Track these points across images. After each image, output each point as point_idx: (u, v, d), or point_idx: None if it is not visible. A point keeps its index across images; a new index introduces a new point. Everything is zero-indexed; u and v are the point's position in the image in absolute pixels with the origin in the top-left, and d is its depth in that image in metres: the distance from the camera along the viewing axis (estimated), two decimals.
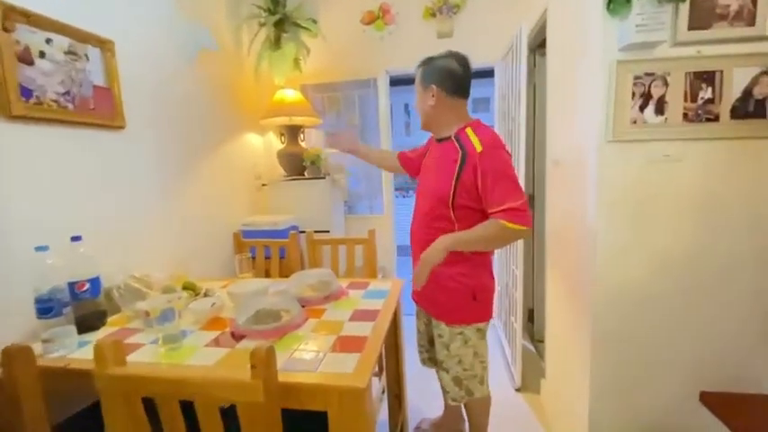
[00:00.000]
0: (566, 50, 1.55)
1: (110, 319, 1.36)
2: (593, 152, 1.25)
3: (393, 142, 2.96)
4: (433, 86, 1.24)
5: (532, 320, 2.72)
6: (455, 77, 1.23)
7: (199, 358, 1.07)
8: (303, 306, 1.36)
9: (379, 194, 2.99)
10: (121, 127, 1.63)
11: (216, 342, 1.16)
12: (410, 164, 1.59)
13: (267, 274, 2.10)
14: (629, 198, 1.23)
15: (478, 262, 1.28)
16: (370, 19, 2.77)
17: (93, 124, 1.51)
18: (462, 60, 1.26)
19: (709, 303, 1.24)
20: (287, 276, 1.63)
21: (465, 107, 1.29)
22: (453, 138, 1.25)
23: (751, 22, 1.09)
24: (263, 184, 2.80)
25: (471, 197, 1.19)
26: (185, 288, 1.51)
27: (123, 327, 1.30)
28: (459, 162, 1.19)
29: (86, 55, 1.50)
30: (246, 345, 1.13)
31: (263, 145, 2.94)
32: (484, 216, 1.18)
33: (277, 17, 2.54)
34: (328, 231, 2.64)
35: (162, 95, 1.90)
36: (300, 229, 2.62)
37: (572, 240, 1.50)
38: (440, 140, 1.32)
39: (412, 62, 2.87)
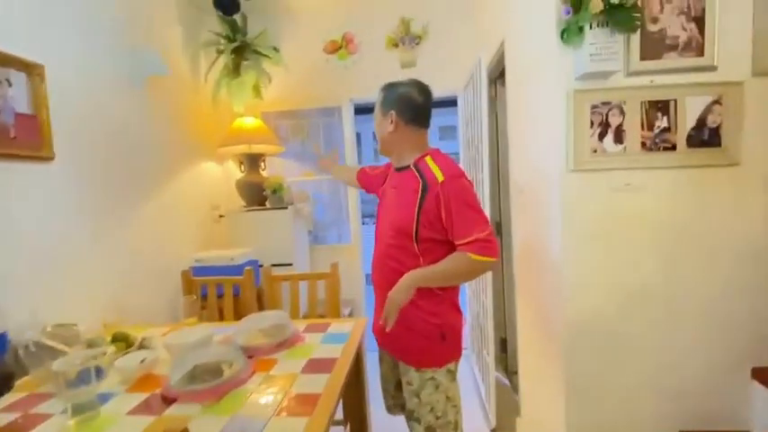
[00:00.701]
0: (523, 80, 1.54)
1: (20, 383, 1.15)
2: (556, 181, 1.21)
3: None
4: (393, 113, 1.18)
5: (506, 350, 2.64)
6: (415, 106, 1.18)
7: (117, 431, 0.90)
8: (251, 356, 1.21)
9: (346, 222, 2.89)
10: (49, 158, 1.47)
11: (144, 407, 0.99)
12: (367, 180, 1.55)
13: (221, 317, 1.92)
14: (593, 227, 1.19)
15: (445, 298, 1.20)
16: (334, 48, 2.75)
17: (13, 155, 1.35)
18: (423, 89, 1.21)
19: (680, 335, 1.19)
20: (241, 318, 1.47)
21: (425, 137, 1.24)
22: (413, 167, 1.18)
23: (700, 52, 1.11)
24: (221, 216, 2.64)
25: (435, 229, 1.12)
26: (115, 340, 1.32)
27: (32, 392, 1.10)
28: (420, 192, 1.13)
29: (8, 80, 1.35)
30: (179, 409, 0.97)
31: (221, 174, 2.80)
32: (450, 248, 1.12)
33: (235, 45, 2.47)
34: (291, 264, 2.49)
35: (103, 123, 1.75)
36: (260, 263, 2.46)
37: (538, 269, 1.44)
38: (399, 169, 1.26)
39: (375, 90, 2.89)
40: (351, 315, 2.77)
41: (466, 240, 1.06)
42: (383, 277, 1.22)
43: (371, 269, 1.34)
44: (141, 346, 1.33)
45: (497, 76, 2.05)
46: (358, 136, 5.10)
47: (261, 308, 2.09)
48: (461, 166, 1.39)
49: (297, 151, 2.88)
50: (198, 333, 1.32)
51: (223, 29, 2.54)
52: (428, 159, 1.17)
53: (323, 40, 2.75)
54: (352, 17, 2.71)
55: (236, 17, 2.54)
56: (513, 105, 1.73)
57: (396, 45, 2.67)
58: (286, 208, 2.49)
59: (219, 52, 2.49)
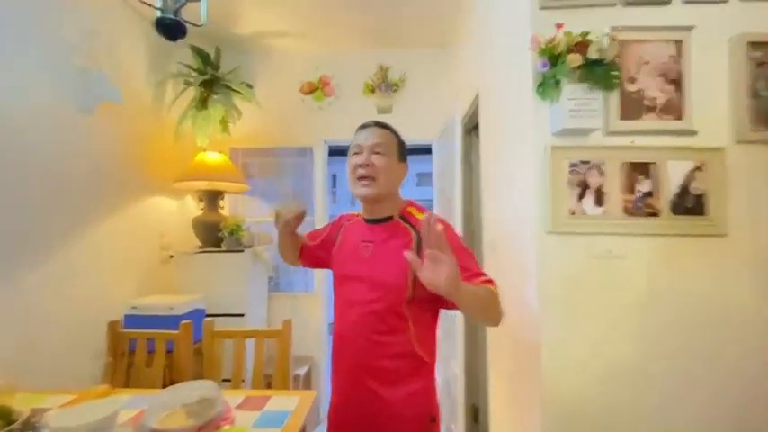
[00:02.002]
0: (498, 134, 1.48)
1: None
2: (532, 243, 1.09)
3: (336, 211, 2.78)
4: (407, 166, 1.09)
5: (477, 419, 2.39)
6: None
7: None
8: None
9: (310, 269, 2.68)
10: None
11: None
12: (312, 256, 1.26)
13: (149, 381, 1.63)
14: (571, 295, 1.06)
15: (431, 367, 1.03)
16: (310, 89, 2.70)
17: None
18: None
19: (669, 413, 1.03)
20: (172, 384, 1.22)
21: None
22: (399, 218, 1.05)
23: (678, 116, 1.05)
24: (171, 256, 2.39)
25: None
26: None
27: None
28: (414, 244, 0.98)
29: None
30: None
31: (177, 211, 2.58)
32: (435, 313, 1.02)
33: (205, 78, 2.37)
34: (242, 315, 2.24)
35: (33, 151, 1.55)
36: (207, 313, 2.20)
37: (513, 335, 1.28)
38: (374, 221, 1.07)
39: (351, 134, 2.83)
40: (308, 374, 2.48)
41: (484, 278, 0.92)
42: (359, 349, 1.01)
43: (337, 340, 1.08)
44: (27, 426, 1.06)
45: (472, 127, 2.01)
46: (333, 178, 5.01)
47: (199, 368, 1.82)
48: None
49: (263, 190, 2.72)
50: (100, 410, 1.06)
51: (194, 61, 2.45)
52: (413, 210, 1.06)
53: (299, 81, 2.70)
54: (331, 61, 2.69)
55: (210, 50, 2.47)
56: (487, 158, 1.66)
57: (372, 91, 2.64)
58: (242, 251, 2.28)
59: (188, 84, 2.38)
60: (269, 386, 1.74)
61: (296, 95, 2.70)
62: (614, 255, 1.04)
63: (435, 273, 0.74)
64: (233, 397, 1.26)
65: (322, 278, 2.66)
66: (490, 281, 0.92)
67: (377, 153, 1.01)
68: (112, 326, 1.67)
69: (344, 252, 1.11)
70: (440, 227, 0.74)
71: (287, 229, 1.16)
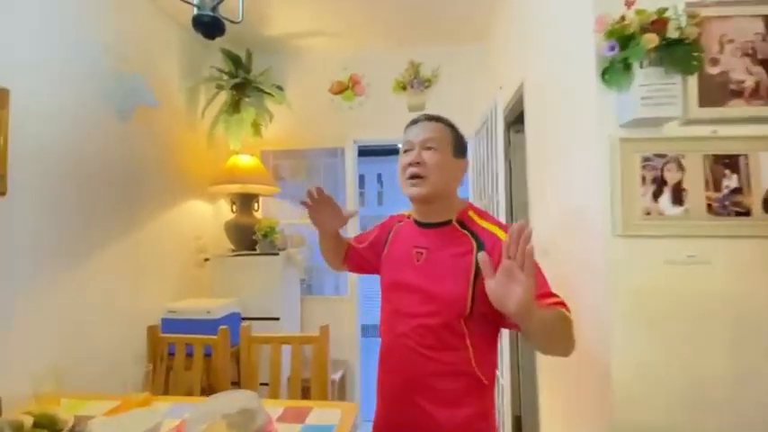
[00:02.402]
0: (549, 127, 1.37)
1: None
2: (598, 247, 0.98)
3: (366, 213, 2.74)
4: (467, 161, 0.99)
5: (521, 430, 2.27)
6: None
7: None
8: None
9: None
10: (0, 193, 1.27)
11: None
12: (359, 259, 1.19)
13: (187, 387, 1.62)
14: (647, 306, 0.94)
15: (489, 391, 0.93)
16: (340, 89, 2.65)
17: None
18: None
19: None
20: (210, 394, 1.19)
21: None
22: (456, 223, 0.94)
23: None
24: (206, 259, 2.40)
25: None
26: (38, 426, 1.04)
27: None
28: (474, 258, 0.87)
29: None
30: None
31: (212, 214, 2.59)
32: (496, 328, 0.92)
33: (236, 81, 2.36)
34: (278, 319, 2.21)
35: (74, 155, 1.58)
36: (243, 316, 2.19)
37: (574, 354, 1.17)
38: (429, 225, 0.97)
39: (381, 133, 2.79)
40: (343, 379, 2.43)
41: (556, 299, 0.81)
42: (409, 365, 0.92)
43: (385, 352, 1.00)
44: None
45: (513, 121, 1.89)
46: (361, 178, 4.98)
47: (237, 372, 1.80)
48: None
49: (294, 192, 2.69)
50: (142, 420, 1.04)
51: (226, 65, 2.45)
52: (472, 215, 0.95)
53: (329, 80, 2.66)
54: (361, 59, 2.64)
55: (241, 53, 2.46)
56: (535, 154, 1.54)
57: (404, 88, 2.57)
58: (277, 254, 2.26)
59: (220, 87, 2.38)
60: (306, 391, 1.70)
61: (325, 96, 2.66)
62: (697, 260, 0.92)
63: (507, 291, 0.66)
64: (273, 407, 1.22)
65: (355, 281, 2.61)
66: (562, 303, 0.80)
67: (428, 149, 0.91)
68: (152, 330, 1.67)
69: (395, 257, 1.02)
70: (531, 243, 0.65)
71: (324, 228, 1.08)
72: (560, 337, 0.78)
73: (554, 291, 0.82)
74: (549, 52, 1.33)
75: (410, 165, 0.91)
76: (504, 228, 0.91)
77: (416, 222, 1.00)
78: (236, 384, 1.95)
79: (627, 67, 0.92)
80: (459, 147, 0.97)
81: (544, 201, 1.43)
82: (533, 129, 1.56)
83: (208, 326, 1.86)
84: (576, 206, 1.14)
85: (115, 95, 1.78)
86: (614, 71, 0.94)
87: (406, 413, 0.92)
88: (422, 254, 0.94)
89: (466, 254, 0.88)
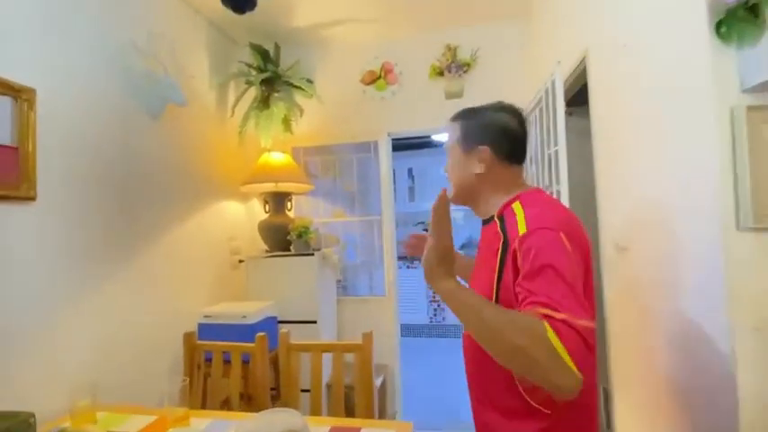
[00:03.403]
0: (627, 102, 1.16)
1: None
2: (714, 244, 0.79)
3: (396, 210, 2.60)
4: (484, 148, 0.85)
5: None
6: (512, 136, 0.86)
7: None
8: None
9: (381, 269, 2.50)
10: (29, 198, 1.21)
11: None
12: None
13: (225, 402, 1.55)
14: None
15: (581, 411, 0.75)
16: (371, 79, 2.51)
17: None
18: (518, 114, 0.89)
19: None
20: (249, 401, 1.09)
21: (521, 176, 0.89)
22: (497, 218, 0.83)
23: None
24: (240, 261, 2.33)
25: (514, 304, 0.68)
26: None
27: None
28: (499, 254, 0.75)
29: None
30: None
31: (245, 215, 2.53)
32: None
33: (265, 75, 2.27)
34: (315, 322, 2.11)
35: (103, 158, 1.52)
36: (280, 319, 2.11)
37: (672, 375, 0.98)
38: (484, 222, 0.90)
39: (416, 124, 2.63)
40: (383, 385, 2.31)
41: (548, 311, 0.59)
42: (470, 376, 0.90)
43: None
44: None
45: (570, 99, 1.69)
46: (392, 173, 4.83)
47: (276, 379, 1.71)
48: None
49: (327, 189, 2.59)
50: None
51: (254, 59, 2.37)
52: (515, 206, 0.80)
53: (360, 71, 2.52)
54: (392, 45, 2.48)
55: (269, 47, 2.37)
56: (605, 137, 1.34)
57: (440, 74, 2.39)
58: (312, 254, 2.16)
59: (249, 83, 2.30)
60: (348, 399, 1.59)
61: (357, 87, 2.53)
62: None
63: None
64: (318, 426, 1.10)
65: (392, 281, 2.47)
66: (553, 318, 0.57)
67: (447, 156, 0.94)
68: (188, 338, 1.60)
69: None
70: (441, 194, 0.69)
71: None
72: (501, 340, 0.60)
73: (566, 311, 0.59)
74: (627, 9, 1.13)
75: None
76: (530, 220, 0.73)
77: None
78: (275, 390, 1.86)
79: (753, 14, 0.73)
80: (469, 138, 0.87)
81: (622, 189, 1.23)
82: (602, 107, 1.35)
83: (244, 331, 1.79)
84: (673, 192, 0.94)
85: (145, 95, 1.72)
86: (734, 21, 0.75)
87: (478, 427, 0.89)
88: (478, 253, 0.92)
89: (495, 253, 0.77)
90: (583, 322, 0.58)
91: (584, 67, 1.46)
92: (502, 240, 0.75)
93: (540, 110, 1.70)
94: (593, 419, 0.78)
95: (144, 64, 1.72)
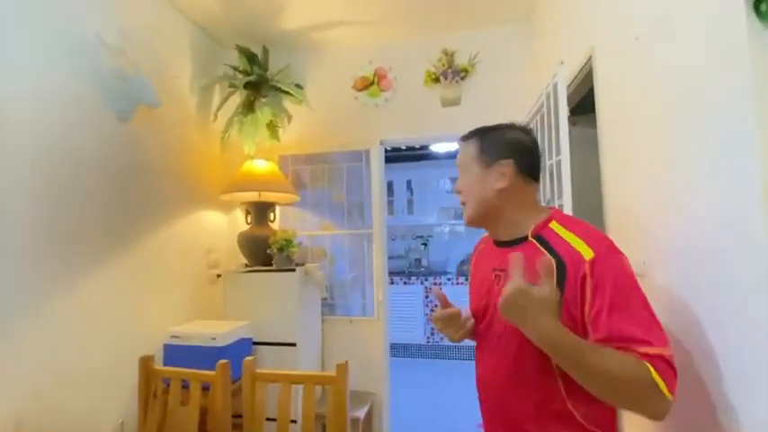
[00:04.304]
0: (640, 102, 1.01)
1: None
2: (759, 277, 0.61)
3: (394, 222, 2.45)
4: (508, 161, 0.82)
5: None
6: (532, 152, 0.86)
7: None
8: None
9: (370, 288, 2.32)
10: None
11: None
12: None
13: (184, 424, 1.36)
14: None
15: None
16: (364, 85, 2.39)
17: None
18: (531, 134, 0.90)
19: None
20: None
21: (535, 194, 0.88)
22: (533, 238, 0.79)
23: None
24: (219, 275, 2.17)
25: (576, 326, 0.70)
26: None
27: None
28: (556, 278, 0.71)
29: None
30: None
31: (227, 226, 2.38)
32: None
33: (250, 78, 2.15)
34: (294, 344, 1.94)
35: (65, 163, 1.38)
36: (255, 341, 1.93)
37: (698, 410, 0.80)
38: (504, 244, 0.85)
39: (411, 132, 2.48)
40: (369, 416, 2.11)
41: (645, 349, 0.63)
42: (502, 404, 0.82)
43: (479, 387, 0.90)
44: None
45: (575, 104, 1.53)
46: (390, 186, 4.69)
47: (238, 412, 1.53)
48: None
49: (316, 200, 2.44)
50: None
51: (241, 62, 2.25)
52: (554, 226, 0.78)
53: (352, 76, 2.40)
54: (386, 50, 2.36)
55: (257, 51, 2.26)
56: (615, 144, 1.18)
57: (436, 80, 2.26)
58: (293, 270, 1.99)
59: (233, 87, 2.18)
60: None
61: (348, 93, 2.40)
62: None
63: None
64: None
65: (382, 300, 2.29)
66: (652, 355, 0.62)
67: (462, 173, 0.89)
68: (145, 363, 1.43)
69: (476, 283, 0.92)
70: (518, 257, 0.67)
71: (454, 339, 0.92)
72: (615, 387, 0.64)
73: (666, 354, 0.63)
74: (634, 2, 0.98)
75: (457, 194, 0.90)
76: (591, 242, 0.72)
77: (495, 242, 0.89)
78: (239, 418, 1.66)
79: None
80: (489, 153, 0.84)
81: (637, 207, 1.06)
82: (611, 111, 1.20)
83: (213, 354, 1.61)
84: (705, 213, 0.77)
85: (114, 95, 1.59)
86: None
87: None
88: (500, 277, 0.82)
89: (537, 275, 0.68)
90: (669, 351, 0.64)
91: (590, 68, 1.31)
92: (555, 263, 0.71)
93: (542, 116, 1.55)
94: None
95: (113, 61, 1.60)
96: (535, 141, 0.88)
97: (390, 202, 4.74)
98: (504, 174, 0.81)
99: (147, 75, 1.73)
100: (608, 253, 0.70)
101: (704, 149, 0.77)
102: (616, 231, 1.18)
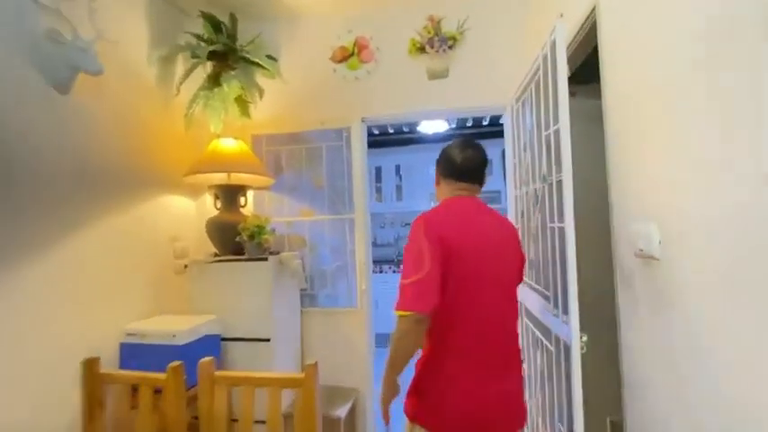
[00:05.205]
0: (657, 63, 0.84)
1: None
2: None
3: (383, 209, 2.27)
4: (445, 181, 1.20)
5: None
6: (451, 161, 1.17)
7: None
8: None
9: (352, 277, 2.16)
10: None
11: None
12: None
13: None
14: None
15: (430, 359, 1.06)
16: (343, 56, 2.18)
17: None
18: (463, 144, 1.18)
19: None
20: None
21: (455, 189, 1.16)
22: None
23: None
24: (186, 266, 1.99)
25: None
26: None
27: None
28: None
29: None
30: None
31: (195, 211, 2.19)
32: (435, 321, 1.00)
33: (215, 47, 1.93)
34: (268, 340, 1.78)
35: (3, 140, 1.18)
36: (225, 337, 1.77)
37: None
38: None
39: (395, 108, 2.28)
40: (352, 413, 1.97)
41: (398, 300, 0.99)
42: (510, 337, 1.14)
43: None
44: None
45: (576, 68, 1.36)
46: (378, 171, 4.50)
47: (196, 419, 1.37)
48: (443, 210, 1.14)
49: (293, 184, 2.25)
50: None
51: (206, 31, 2.03)
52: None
53: (330, 47, 2.19)
54: (367, 18, 2.16)
55: (224, 18, 2.04)
56: (624, 115, 1.01)
57: (422, 49, 2.06)
58: (266, 259, 1.82)
59: (195, 57, 1.96)
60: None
61: (326, 66, 2.20)
62: None
63: None
64: None
65: (365, 290, 2.14)
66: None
67: None
68: (89, 366, 1.26)
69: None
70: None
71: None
72: (393, 344, 1.01)
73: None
74: None
75: None
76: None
77: None
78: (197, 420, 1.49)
79: None
80: (438, 173, 1.22)
81: (650, 186, 0.90)
82: (619, 76, 1.02)
83: (173, 353, 1.44)
84: (733, 191, 0.61)
85: (48, 62, 1.38)
86: None
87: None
88: None
89: None
90: (406, 280, 0.97)
91: (594, 23, 1.13)
92: None
93: (537, 83, 1.38)
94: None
95: (46, 21, 1.38)
96: (465, 150, 1.15)
97: (378, 189, 4.57)
98: (441, 186, 1.21)
99: (86, 39, 1.52)
100: (416, 219, 1.07)
101: (743, 118, 0.60)
102: (623, 213, 1.02)
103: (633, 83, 0.96)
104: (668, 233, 0.81)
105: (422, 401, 1.03)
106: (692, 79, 0.72)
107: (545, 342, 1.37)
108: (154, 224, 1.88)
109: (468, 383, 0.98)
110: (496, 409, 0.99)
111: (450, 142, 1.20)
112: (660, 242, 0.83)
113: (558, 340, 1.22)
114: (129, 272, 1.71)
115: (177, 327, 1.55)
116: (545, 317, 1.36)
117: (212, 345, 1.66)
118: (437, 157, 1.22)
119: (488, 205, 1.15)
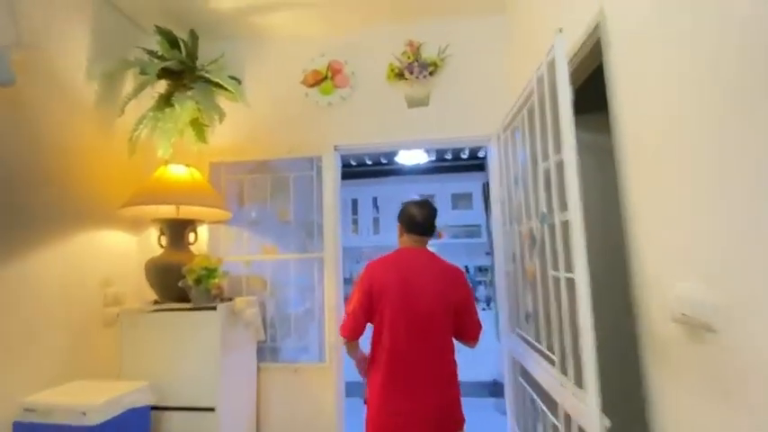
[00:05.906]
0: (681, 86, 0.67)
1: None
2: None
3: (359, 242, 2.03)
4: (400, 227, 1.44)
5: None
6: (409, 218, 1.39)
7: None
8: None
9: (319, 327, 1.87)
10: None
11: None
12: None
13: None
14: None
15: (369, 373, 1.34)
16: (316, 80, 2.01)
17: None
18: (421, 204, 1.40)
19: None
20: None
21: (408, 240, 1.40)
22: None
23: None
24: (118, 315, 1.66)
25: None
26: None
27: None
28: None
29: None
30: None
31: (136, 250, 1.87)
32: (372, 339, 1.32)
33: (167, 64, 1.72)
34: (212, 409, 1.45)
35: None
36: (159, 405, 1.44)
37: None
38: None
39: (371, 137, 2.03)
40: None
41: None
42: (436, 361, 1.30)
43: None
44: None
45: (578, 88, 1.21)
46: (354, 203, 4.30)
47: None
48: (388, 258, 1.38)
49: (257, 217, 1.99)
50: None
51: (161, 47, 1.82)
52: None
53: (302, 70, 2.02)
54: (342, 41, 2.01)
55: (181, 35, 1.84)
56: (644, 150, 0.84)
57: (401, 75, 1.92)
58: (214, 308, 1.52)
59: (144, 74, 1.72)
60: None
61: (297, 89, 2.02)
62: None
63: None
64: None
65: (334, 343, 1.84)
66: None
67: None
68: None
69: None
70: None
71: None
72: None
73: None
74: None
75: None
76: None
77: None
78: None
79: None
80: (399, 217, 1.46)
81: (678, 215, 0.71)
82: (631, 100, 0.86)
83: None
84: None
85: None
86: None
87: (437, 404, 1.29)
88: None
89: None
90: (347, 311, 1.35)
91: (597, 40, 0.99)
92: None
93: (530, 109, 1.22)
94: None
95: None
96: (424, 208, 1.38)
97: (355, 221, 4.34)
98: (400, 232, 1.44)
99: (7, 47, 1.27)
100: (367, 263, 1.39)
101: None
102: (652, 261, 0.82)
103: (647, 105, 0.79)
104: (728, 295, 0.61)
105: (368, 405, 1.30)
106: (722, 108, 0.55)
107: (550, 417, 1.13)
108: (80, 264, 1.57)
109: (379, 398, 1.24)
110: (402, 421, 1.20)
111: (407, 201, 1.45)
112: (716, 307, 0.62)
113: (568, 419, 0.98)
114: (39, 325, 1.38)
115: (90, 400, 1.22)
116: (549, 384, 1.12)
117: (138, 421, 1.32)
118: (399, 211, 1.45)
119: (438, 255, 1.39)
